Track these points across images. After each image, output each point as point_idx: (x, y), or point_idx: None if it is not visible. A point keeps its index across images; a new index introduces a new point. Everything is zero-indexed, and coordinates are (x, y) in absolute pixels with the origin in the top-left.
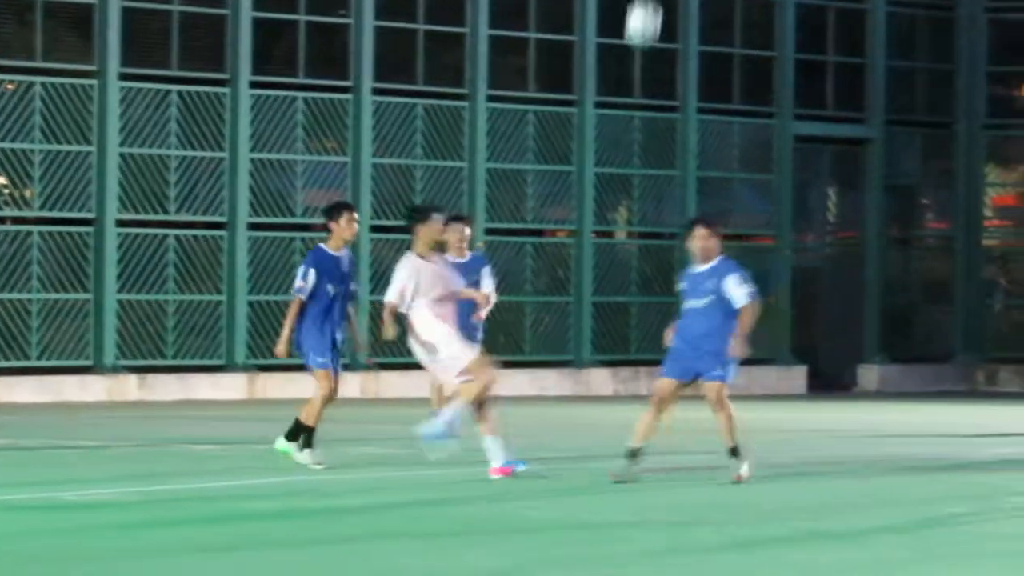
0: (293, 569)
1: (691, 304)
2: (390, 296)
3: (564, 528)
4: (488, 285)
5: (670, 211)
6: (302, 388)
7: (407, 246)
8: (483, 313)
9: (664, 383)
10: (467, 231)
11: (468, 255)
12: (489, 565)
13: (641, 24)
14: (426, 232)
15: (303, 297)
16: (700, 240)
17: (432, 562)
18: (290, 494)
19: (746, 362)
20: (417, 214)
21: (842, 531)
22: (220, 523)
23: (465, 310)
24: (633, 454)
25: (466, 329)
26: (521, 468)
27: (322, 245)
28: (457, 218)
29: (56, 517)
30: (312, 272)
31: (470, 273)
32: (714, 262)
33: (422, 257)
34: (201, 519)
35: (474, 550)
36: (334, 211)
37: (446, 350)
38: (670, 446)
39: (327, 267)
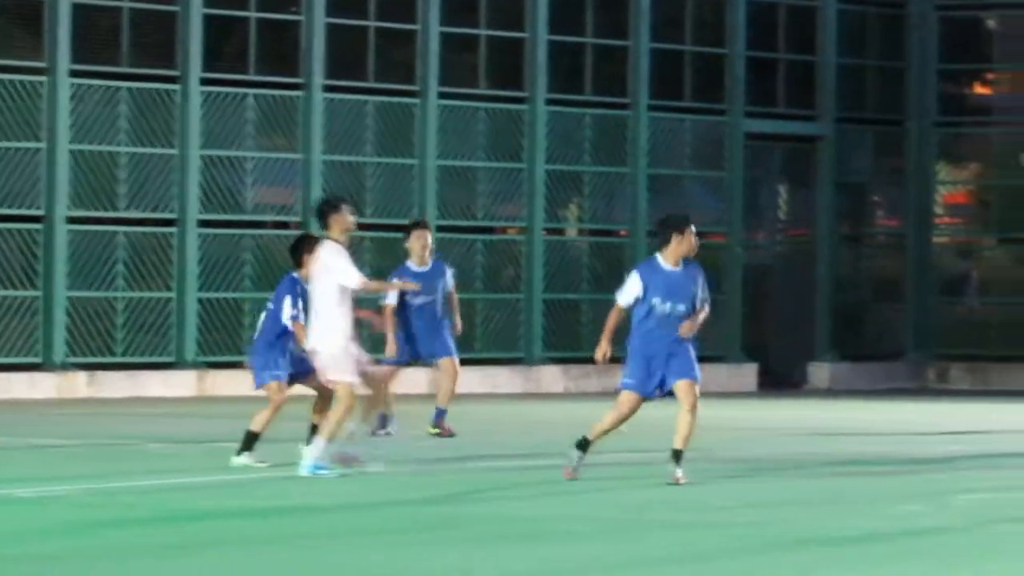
0: (246, 567)
1: (670, 307)
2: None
3: (499, 523)
4: (451, 286)
5: (621, 209)
6: (252, 386)
7: (357, 242)
8: (458, 322)
9: (634, 399)
10: (429, 238)
11: (429, 263)
12: (442, 564)
13: None
14: (339, 221)
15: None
16: (694, 239)
17: (383, 560)
18: (242, 492)
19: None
20: (327, 206)
21: (795, 529)
22: (172, 521)
23: (430, 316)
24: (584, 445)
25: (437, 335)
26: (325, 473)
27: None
28: (420, 224)
29: (8, 515)
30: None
31: (432, 279)
32: (683, 264)
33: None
34: (153, 517)
35: (424, 548)
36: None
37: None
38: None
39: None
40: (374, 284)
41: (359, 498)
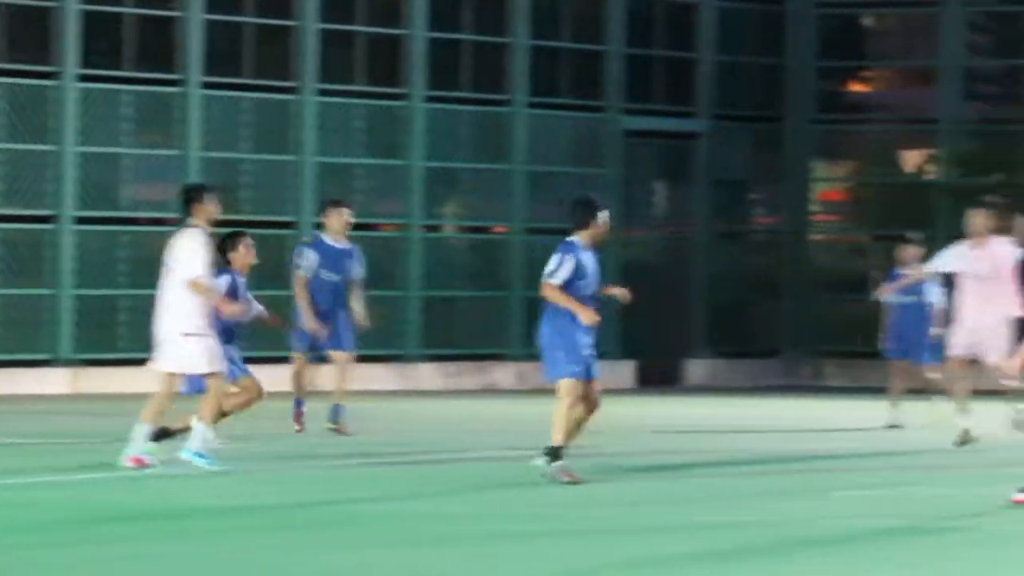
0: (126, 565)
1: (589, 290)
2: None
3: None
4: (359, 273)
5: (499, 206)
6: (127, 383)
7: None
8: (360, 311)
9: (579, 386)
10: (347, 215)
11: (346, 242)
12: (340, 560)
13: None
14: (202, 210)
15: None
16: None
17: (277, 558)
18: (122, 490)
19: None
20: (191, 193)
21: (675, 525)
22: (50, 520)
23: (333, 295)
24: (556, 452)
25: (337, 323)
26: (149, 460)
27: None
28: (338, 202)
29: None
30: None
31: (344, 259)
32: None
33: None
34: (29, 516)
35: (326, 546)
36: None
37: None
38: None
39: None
40: (204, 288)
41: (242, 497)
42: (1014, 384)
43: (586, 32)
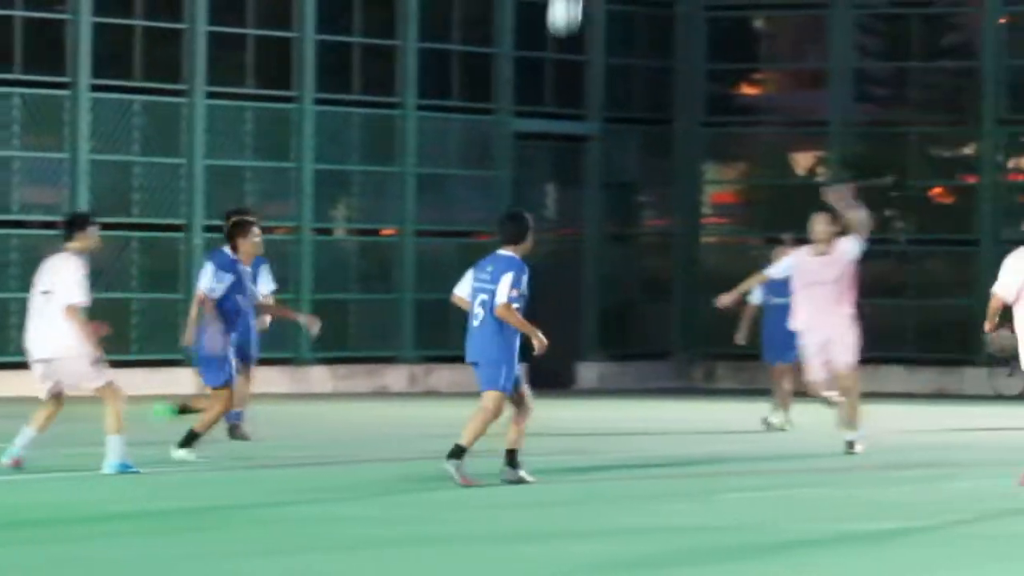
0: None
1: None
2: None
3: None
4: (266, 285)
5: (390, 208)
6: (14, 387)
7: (124, 243)
8: (266, 321)
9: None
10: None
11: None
12: (253, 564)
13: (563, 13)
14: (84, 238)
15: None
16: None
17: (187, 562)
18: (21, 492)
19: (462, 360)
20: (76, 222)
21: (563, 530)
22: None
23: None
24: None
25: (250, 333)
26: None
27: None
28: (250, 224)
29: None
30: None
31: (262, 274)
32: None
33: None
34: None
35: (232, 551)
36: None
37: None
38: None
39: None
40: (79, 316)
41: (149, 501)
42: (834, 395)
43: (476, 34)
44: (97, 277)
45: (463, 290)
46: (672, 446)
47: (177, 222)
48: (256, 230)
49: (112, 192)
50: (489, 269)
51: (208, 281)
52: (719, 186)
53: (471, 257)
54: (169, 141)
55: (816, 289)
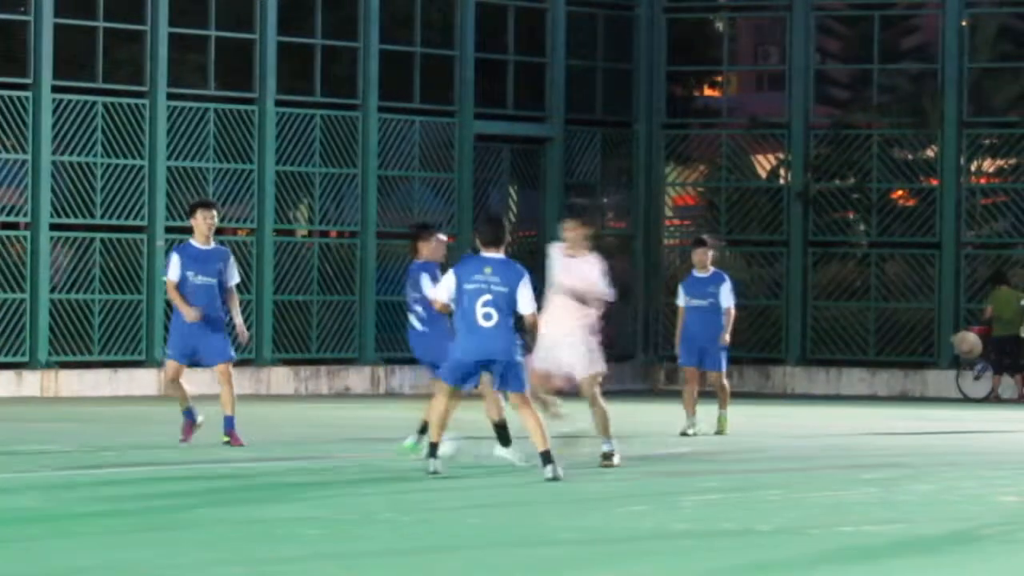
0: None
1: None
2: None
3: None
4: (233, 278)
5: (350, 209)
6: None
7: (87, 244)
8: (238, 321)
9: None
10: (216, 217)
11: (213, 244)
12: (163, 562)
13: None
14: None
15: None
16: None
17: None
18: None
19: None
20: None
21: (520, 529)
22: None
23: (207, 298)
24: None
25: (213, 333)
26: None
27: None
28: (205, 204)
29: None
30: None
31: (214, 262)
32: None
33: None
34: None
35: (148, 548)
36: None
37: None
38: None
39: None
40: None
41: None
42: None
43: (437, 36)
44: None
45: (443, 294)
46: (634, 447)
47: (139, 223)
48: (440, 236)
49: (74, 193)
50: (488, 271)
51: (436, 290)
52: (680, 189)
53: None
54: (131, 143)
55: (559, 295)
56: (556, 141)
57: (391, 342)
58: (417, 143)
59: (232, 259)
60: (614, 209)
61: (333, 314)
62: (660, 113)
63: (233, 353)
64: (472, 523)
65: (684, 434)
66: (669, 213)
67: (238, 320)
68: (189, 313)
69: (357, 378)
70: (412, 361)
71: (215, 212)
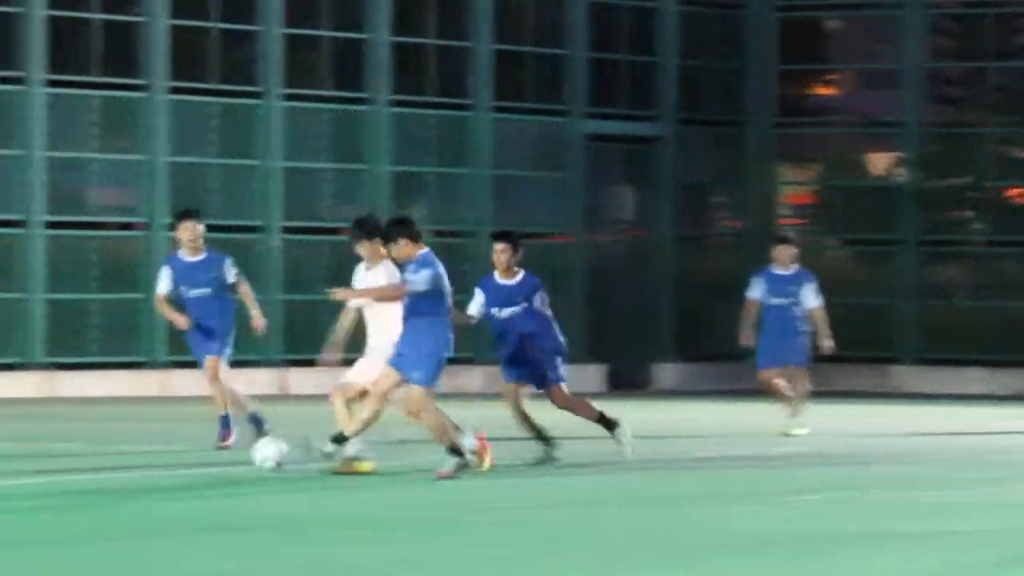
0: (32, 569)
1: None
2: None
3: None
4: (230, 277)
5: (463, 210)
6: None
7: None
8: (256, 315)
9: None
10: (200, 228)
11: (204, 254)
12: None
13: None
14: None
15: None
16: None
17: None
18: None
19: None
20: None
21: (612, 526)
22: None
23: (204, 309)
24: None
25: (209, 333)
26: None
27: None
28: (188, 214)
29: None
30: None
31: (206, 271)
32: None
33: None
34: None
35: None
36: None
37: None
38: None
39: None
40: None
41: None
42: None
43: (548, 36)
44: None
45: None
46: (746, 447)
47: (254, 224)
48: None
49: (69, 190)
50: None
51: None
52: (793, 187)
53: (542, 259)
54: (245, 143)
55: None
56: (667, 140)
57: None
58: (528, 143)
59: (228, 262)
60: (726, 208)
61: (112, 313)
62: (771, 112)
63: (218, 348)
64: (608, 518)
65: (787, 435)
66: (782, 212)
67: (253, 311)
68: (179, 321)
69: (473, 376)
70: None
71: (196, 222)
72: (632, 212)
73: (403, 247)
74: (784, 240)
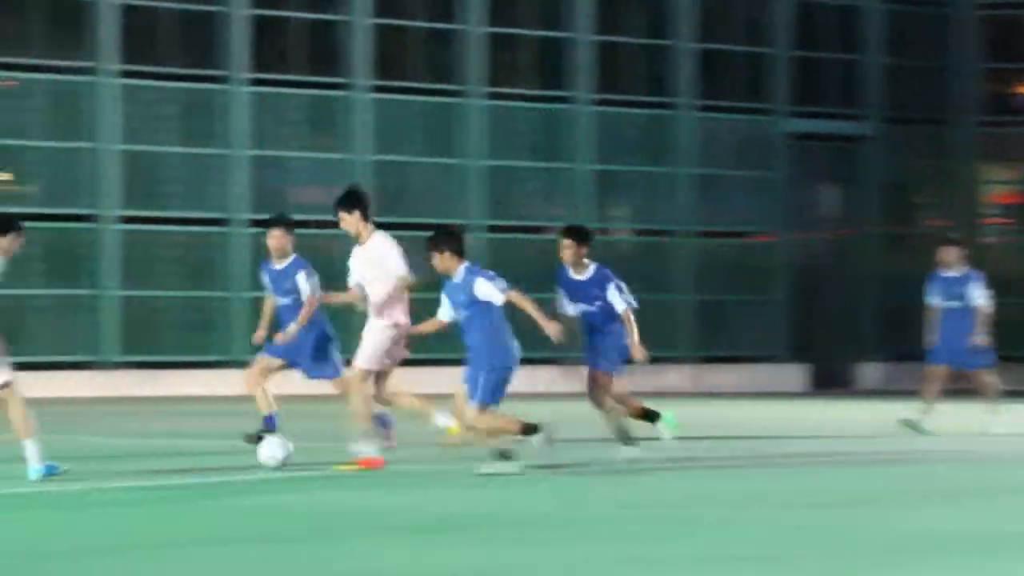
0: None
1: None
2: None
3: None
4: (303, 291)
5: (665, 208)
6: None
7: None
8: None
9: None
10: (283, 236)
11: (286, 261)
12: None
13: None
14: (3, 243)
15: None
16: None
17: (388, 562)
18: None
19: (747, 360)
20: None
21: (833, 530)
22: (202, 519)
23: (288, 316)
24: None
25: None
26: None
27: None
28: (270, 222)
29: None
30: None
31: (285, 279)
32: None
33: None
34: (187, 513)
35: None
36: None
37: None
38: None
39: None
40: None
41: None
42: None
43: (752, 35)
44: None
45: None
46: (946, 445)
47: (461, 221)
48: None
49: (391, 191)
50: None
51: (624, 299)
52: (998, 186)
53: (744, 257)
54: (446, 142)
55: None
56: (872, 139)
57: (710, 340)
58: (732, 142)
59: (302, 273)
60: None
61: (653, 311)
62: (975, 110)
63: (275, 350)
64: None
65: (910, 424)
66: (987, 211)
67: (292, 326)
68: (257, 333)
69: (673, 376)
70: (736, 359)
71: (276, 230)
72: (836, 211)
73: (447, 260)
74: (950, 241)
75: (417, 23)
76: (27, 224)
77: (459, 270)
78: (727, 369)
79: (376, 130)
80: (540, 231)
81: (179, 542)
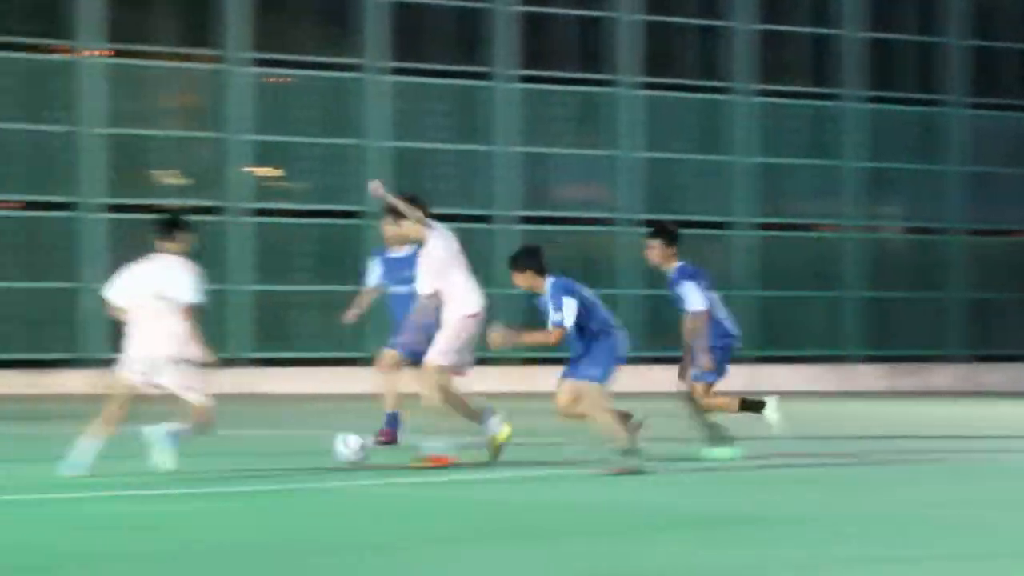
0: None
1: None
2: None
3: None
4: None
5: (936, 207)
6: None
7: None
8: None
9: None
10: (403, 223)
11: (406, 250)
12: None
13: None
14: (183, 239)
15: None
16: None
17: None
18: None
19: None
20: (175, 222)
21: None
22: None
23: (405, 306)
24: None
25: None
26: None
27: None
28: (390, 210)
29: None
30: None
31: (408, 267)
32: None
33: None
34: (428, 509)
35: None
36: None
37: None
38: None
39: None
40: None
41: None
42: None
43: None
44: None
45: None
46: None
47: (721, 220)
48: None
49: (665, 191)
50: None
51: (700, 300)
52: None
53: (1009, 257)
54: (714, 139)
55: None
56: None
57: (980, 338)
58: (1006, 139)
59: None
60: None
61: (918, 311)
62: None
63: (398, 344)
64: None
65: None
66: None
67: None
68: (349, 312)
69: (943, 375)
70: (1008, 358)
71: (388, 219)
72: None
73: (529, 278)
74: None
75: (686, 19)
76: (296, 221)
77: (545, 285)
78: (998, 368)
79: (645, 127)
80: (810, 228)
81: (448, 539)
